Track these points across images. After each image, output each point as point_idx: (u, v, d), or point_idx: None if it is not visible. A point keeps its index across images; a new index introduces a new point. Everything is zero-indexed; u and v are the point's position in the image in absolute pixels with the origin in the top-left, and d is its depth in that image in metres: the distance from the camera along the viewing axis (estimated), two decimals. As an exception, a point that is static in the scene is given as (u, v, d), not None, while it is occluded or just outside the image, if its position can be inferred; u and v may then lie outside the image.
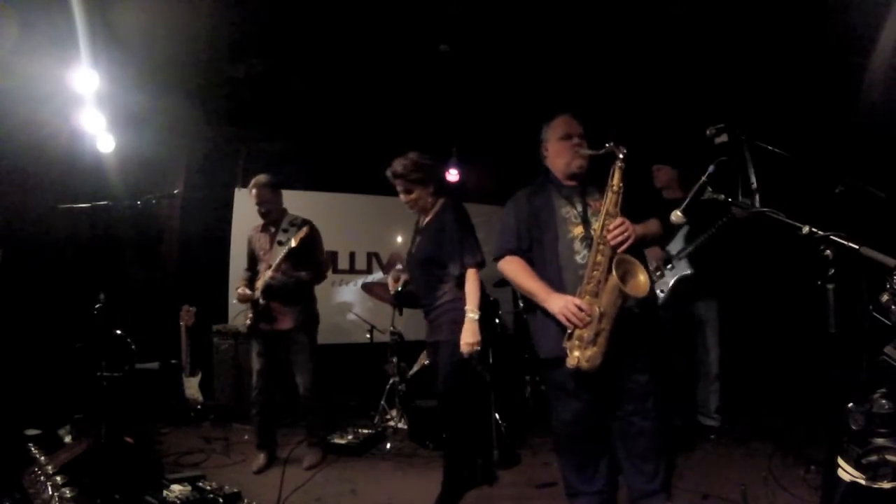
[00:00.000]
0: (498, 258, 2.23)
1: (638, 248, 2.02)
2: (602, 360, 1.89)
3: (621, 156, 1.95)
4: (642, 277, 1.92)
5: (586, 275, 1.95)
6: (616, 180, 1.97)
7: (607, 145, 1.98)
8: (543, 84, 4.09)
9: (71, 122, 3.63)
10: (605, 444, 2.16)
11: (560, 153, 2.18)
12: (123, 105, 3.83)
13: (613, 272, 1.84)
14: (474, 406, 3.24)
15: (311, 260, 3.13)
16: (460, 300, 2.44)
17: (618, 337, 1.91)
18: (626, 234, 1.91)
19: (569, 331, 1.94)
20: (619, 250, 1.91)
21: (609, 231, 1.92)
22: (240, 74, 4.10)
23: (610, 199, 1.97)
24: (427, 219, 2.66)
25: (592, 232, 2.01)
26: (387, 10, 3.34)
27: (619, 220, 1.93)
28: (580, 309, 1.90)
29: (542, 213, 2.16)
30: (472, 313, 2.38)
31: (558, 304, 1.96)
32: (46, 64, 3.23)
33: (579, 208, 2.13)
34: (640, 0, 3.23)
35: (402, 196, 2.64)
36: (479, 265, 2.48)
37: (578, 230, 2.10)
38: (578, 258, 2.08)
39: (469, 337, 2.36)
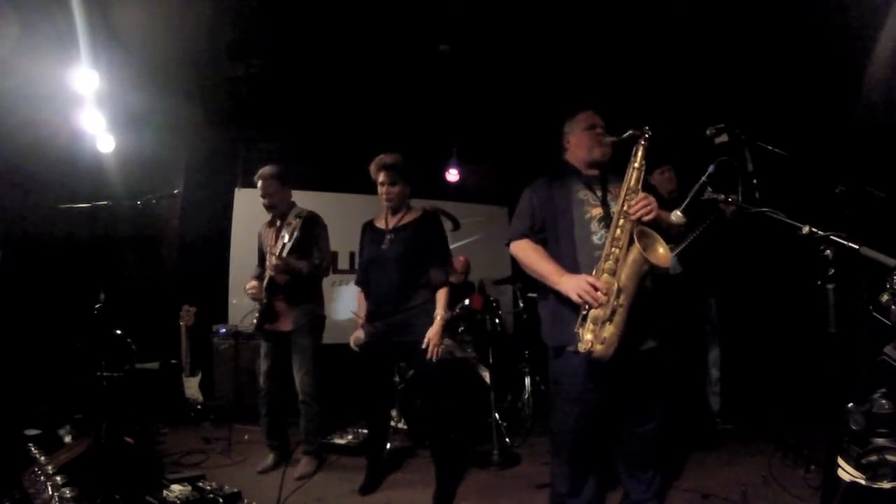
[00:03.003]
0: (511, 241, 2.17)
1: (655, 229, 1.94)
2: (617, 345, 1.79)
3: (646, 135, 1.94)
4: (662, 249, 1.85)
5: (604, 252, 1.88)
6: (639, 158, 1.95)
7: (630, 130, 1.97)
8: (543, 84, 4.10)
9: (71, 122, 3.63)
10: (601, 455, 2.12)
11: (583, 142, 2.16)
12: (123, 105, 3.84)
13: (636, 242, 1.78)
14: (456, 397, 3.26)
15: (313, 251, 3.00)
16: (433, 302, 2.58)
17: (633, 322, 1.82)
18: (649, 207, 1.87)
19: (583, 312, 1.85)
20: (644, 219, 1.86)
21: (632, 205, 1.88)
22: (240, 74, 4.10)
23: (632, 176, 1.93)
24: (401, 220, 2.69)
25: (612, 213, 1.96)
26: (387, 10, 3.34)
27: (642, 194, 1.90)
28: (595, 288, 1.81)
29: (559, 196, 2.12)
30: (440, 316, 2.53)
31: (571, 283, 1.88)
32: (46, 64, 3.24)
33: (599, 193, 2.09)
34: (640, 1, 3.23)
35: (385, 188, 2.65)
36: (450, 277, 2.69)
37: (597, 211, 2.06)
38: (595, 238, 2.02)
39: (434, 335, 2.49)
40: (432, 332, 2.50)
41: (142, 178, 4.10)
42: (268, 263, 2.98)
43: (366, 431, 3.58)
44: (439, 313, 2.54)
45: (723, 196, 1.75)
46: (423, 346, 2.48)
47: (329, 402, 3.19)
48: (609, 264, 1.85)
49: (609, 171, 2.15)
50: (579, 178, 2.15)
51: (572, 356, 1.94)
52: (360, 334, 2.69)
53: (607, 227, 1.98)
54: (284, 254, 2.78)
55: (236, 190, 5.06)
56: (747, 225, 2.82)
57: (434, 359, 2.50)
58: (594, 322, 1.82)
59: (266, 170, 3.05)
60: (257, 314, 3.05)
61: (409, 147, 2.86)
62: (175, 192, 4.11)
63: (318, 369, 3.05)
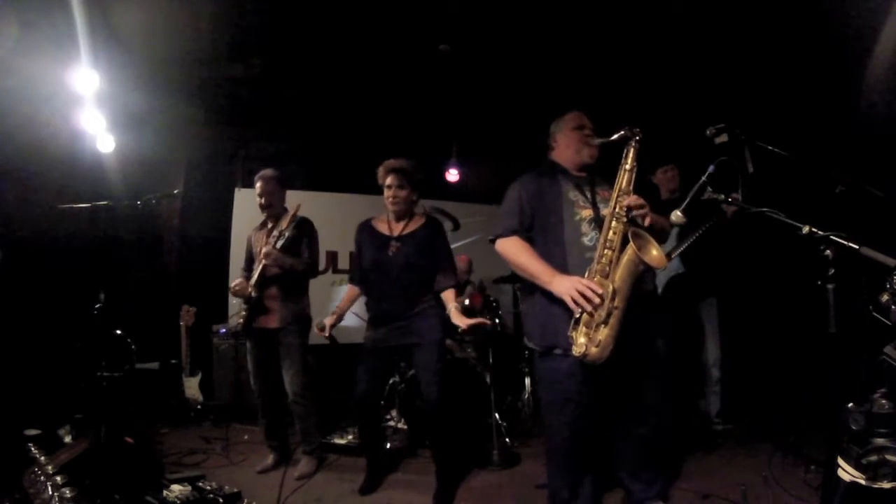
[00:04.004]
0: (498, 237, 2.12)
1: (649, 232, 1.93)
2: (612, 347, 1.77)
3: (637, 137, 1.93)
4: (655, 251, 1.84)
5: (597, 254, 1.87)
6: (630, 159, 1.94)
7: (621, 132, 1.96)
8: (543, 84, 4.10)
9: (71, 122, 3.64)
10: (597, 456, 2.12)
11: (570, 143, 2.15)
12: (123, 105, 3.84)
13: (631, 242, 1.77)
14: (456, 397, 3.25)
15: (303, 252, 3.04)
16: (436, 308, 2.58)
17: (627, 324, 1.81)
18: (644, 209, 1.87)
19: (576, 316, 1.82)
20: (644, 222, 1.86)
21: (624, 206, 1.87)
22: (240, 74, 4.10)
23: (624, 177, 1.92)
24: (407, 227, 2.69)
25: (602, 215, 1.95)
26: (387, 10, 3.34)
27: (634, 196, 1.89)
28: (590, 290, 1.77)
29: (548, 194, 2.09)
30: (454, 307, 2.51)
31: (565, 284, 1.83)
32: (46, 64, 3.24)
33: (588, 194, 2.07)
34: (640, 0, 3.23)
35: (392, 191, 2.64)
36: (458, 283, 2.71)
37: (587, 212, 2.04)
38: (585, 240, 2.00)
39: (464, 319, 2.42)
40: (462, 321, 2.41)
41: (142, 178, 4.10)
42: (257, 261, 2.99)
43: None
44: (454, 306, 2.50)
45: (723, 196, 1.75)
46: (466, 328, 2.40)
47: (326, 401, 3.20)
48: (601, 266, 1.84)
49: (596, 174, 2.14)
50: (569, 178, 2.13)
51: (561, 358, 1.93)
52: (330, 321, 2.71)
53: (597, 228, 1.97)
54: (275, 242, 2.84)
55: (236, 190, 5.07)
56: (748, 225, 2.82)
57: (486, 327, 2.49)
58: (587, 325, 1.80)
59: (267, 171, 3.12)
60: (243, 314, 3.04)
61: (408, 147, 2.87)
62: (175, 192, 4.11)
63: (307, 368, 3.04)
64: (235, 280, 3.09)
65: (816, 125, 3.25)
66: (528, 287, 2.10)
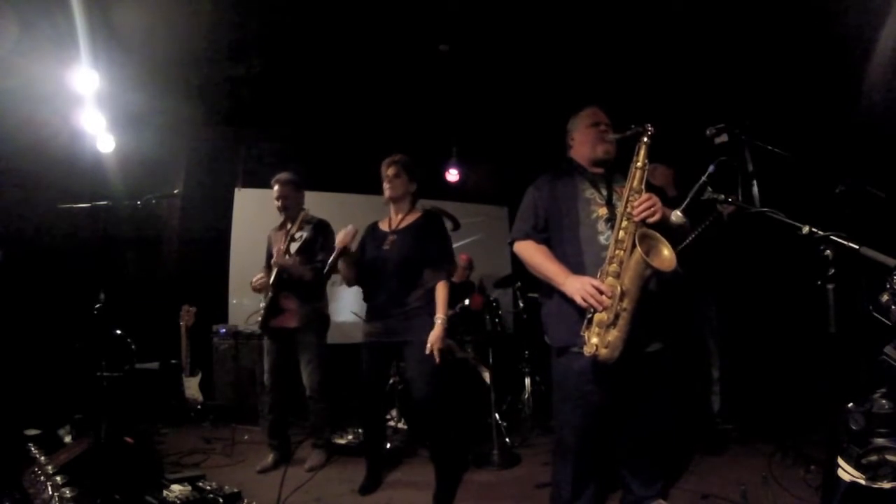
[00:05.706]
0: (514, 241, 2.15)
1: (661, 229, 1.90)
2: (622, 348, 1.78)
3: (648, 133, 1.92)
4: (667, 252, 1.81)
5: (608, 254, 1.86)
6: (642, 157, 1.92)
7: (632, 127, 1.95)
8: (543, 84, 4.10)
9: (71, 122, 3.64)
10: (602, 458, 2.11)
11: (587, 140, 2.15)
12: (123, 105, 3.84)
13: (638, 246, 1.76)
14: (456, 397, 3.26)
15: (318, 253, 3.07)
16: (431, 306, 2.56)
17: (639, 323, 1.80)
18: (653, 209, 1.84)
19: (588, 316, 1.83)
20: (649, 221, 1.83)
21: (635, 206, 1.85)
22: (240, 74, 4.10)
23: (635, 176, 1.91)
24: (404, 221, 2.70)
25: (617, 213, 1.94)
26: (387, 10, 3.34)
27: (645, 195, 1.87)
28: (599, 291, 1.79)
29: (564, 195, 2.10)
30: (440, 319, 2.48)
31: (575, 285, 1.86)
32: (46, 64, 3.24)
33: (604, 192, 2.07)
34: (640, 0, 3.23)
35: (389, 180, 2.67)
36: (452, 275, 2.68)
37: (603, 211, 2.04)
38: (602, 239, 2.00)
39: (436, 340, 2.42)
40: (433, 337, 2.43)
41: (142, 178, 4.10)
42: (274, 259, 3.04)
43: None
44: (440, 316, 2.48)
45: (723, 196, 1.75)
46: (427, 351, 2.43)
47: (334, 403, 3.22)
48: (613, 267, 1.84)
49: (615, 170, 2.13)
50: (585, 176, 2.13)
51: (576, 357, 1.94)
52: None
53: (613, 227, 1.96)
54: (292, 251, 2.88)
55: (236, 190, 5.07)
56: (747, 225, 2.82)
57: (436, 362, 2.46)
58: (599, 325, 1.81)
59: (283, 175, 3.21)
60: (262, 311, 3.08)
61: (409, 147, 2.87)
62: (175, 192, 4.12)
63: (324, 366, 3.12)
64: (257, 276, 3.14)
65: (816, 125, 3.25)
66: (546, 288, 2.11)
